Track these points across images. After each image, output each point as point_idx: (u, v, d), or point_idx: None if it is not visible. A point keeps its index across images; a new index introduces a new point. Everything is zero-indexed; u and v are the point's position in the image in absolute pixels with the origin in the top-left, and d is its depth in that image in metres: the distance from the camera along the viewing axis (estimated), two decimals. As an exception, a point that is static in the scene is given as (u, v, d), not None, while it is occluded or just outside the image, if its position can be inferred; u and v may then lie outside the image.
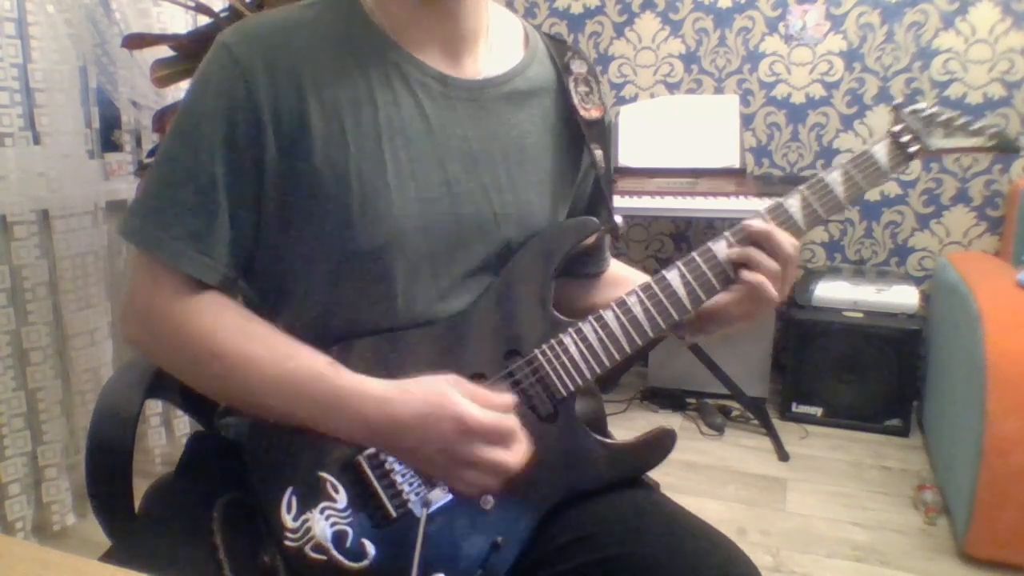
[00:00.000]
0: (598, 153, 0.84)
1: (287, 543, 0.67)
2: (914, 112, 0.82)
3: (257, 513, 0.70)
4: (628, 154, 2.48)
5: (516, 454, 0.67)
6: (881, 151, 0.81)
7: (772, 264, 0.74)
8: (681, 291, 0.76)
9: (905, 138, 0.81)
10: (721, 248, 0.77)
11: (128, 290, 0.73)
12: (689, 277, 0.76)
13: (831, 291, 2.37)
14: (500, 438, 0.66)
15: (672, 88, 2.77)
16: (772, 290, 0.74)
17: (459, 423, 0.64)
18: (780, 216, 0.78)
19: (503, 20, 0.82)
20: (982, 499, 1.60)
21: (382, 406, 0.66)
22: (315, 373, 0.67)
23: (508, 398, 0.69)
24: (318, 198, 0.69)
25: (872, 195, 2.58)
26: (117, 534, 0.77)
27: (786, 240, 0.75)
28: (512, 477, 0.67)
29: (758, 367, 2.53)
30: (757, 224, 0.75)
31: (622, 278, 0.93)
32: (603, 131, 0.85)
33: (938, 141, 0.82)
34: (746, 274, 0.75)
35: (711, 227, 2.69)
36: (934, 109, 0.83)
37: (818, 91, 2.59)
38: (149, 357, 0.76)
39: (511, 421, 0.67)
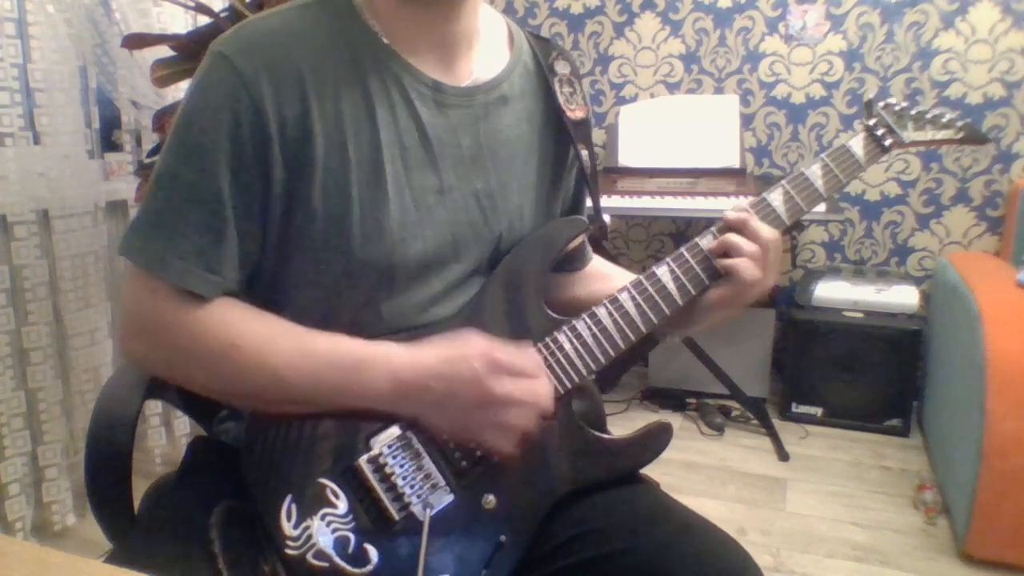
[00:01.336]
0: (584, 153, 0.85)
1: (288, 551, 0.67)
2: (887, 107, 0.86)
3: (256, 520, 0.69)
4: (628, 154, 2.48)
5: (546, 384, 0.70)
6: (857, 145, 0.84)
7: (751, 246, 0.75)
8: (671, 286, 0.77)
9: (879, 131, 0.85)
10: (707, 242, 0.78)
11: (127, 309, 0.70)
12: (678, 272, 0.77)
13: (831, 291, 2.37)
14: (528, 370, 0.69)
15: (672, 88, 2.77)
16: (753, 269, 0.75)
17: (487, 358, 0.67)
18: (763, 210, 0.80)
19: (490, 21, 0.82)
20: (982, 499, 1.60)
21: (410, 360, 0.68)
22: (334, 342, 0.69)
23: (528, 344, 0.72)
24: (319, 211, 0.68)
25: (872, 195, 2.58)
26: (117, 536, 0.77)
27: (763, 226, 0.76)
28: (546, 415, 0.69)
29: (758, 367, 2.53)
30: (734, 214, 0.77)
31: (603, 273, 0.95)
32: (589, 131, 0.86)
33: (911, 134, 0.87)
34: (726, 260, 0.76)
35: (711, 227, 2.69)
36: (904, 104, 0.87)
37: (818, 91, 2.59)
38: (158, 371, 0.73)
39: (535, 355, 0.71)
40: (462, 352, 0.67)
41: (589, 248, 0.96)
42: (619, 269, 0.95)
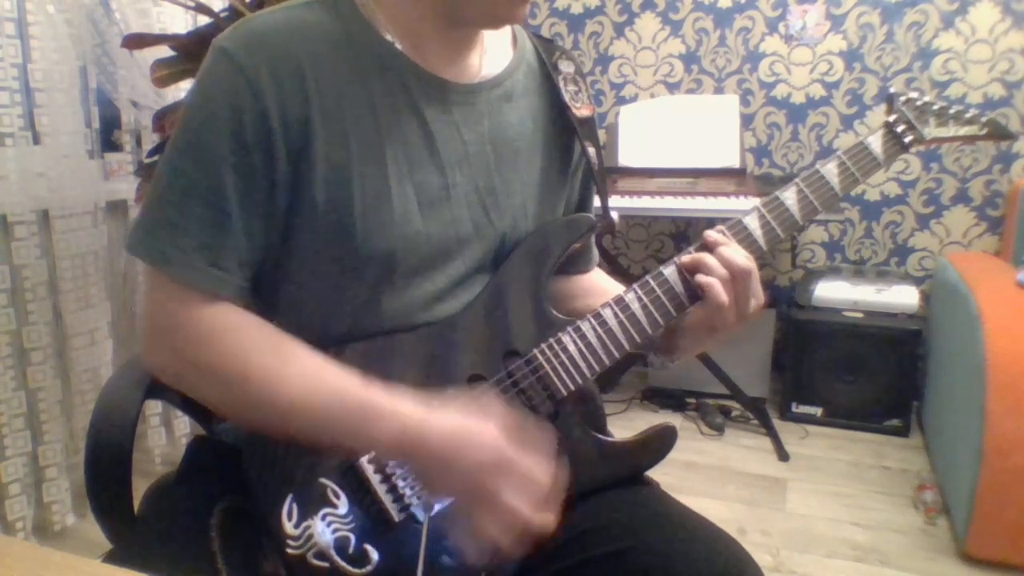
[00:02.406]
0: (591, 151, 0.84)
1: (289, 551, 0.67)
2: (908, 102, 0.83)
3: (256, 520, 0.69)
4: (628, 154, 2.48)
5: (542, 518, 0.64)
6: (876, 142, 0.81)
7: (721, 270, 0.73)
8: (679, 286, 0.76)
9: (900, 128, 0.82)
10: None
11: (145, 312, 0.70)
12: (686, 272, 0.76)
13: (831, 291, 2.37)
14: (533, 487, 0.63)
15: (672, 88, 2.77)
16: (722, 294, 0.72)
17: (498, 454, 0.62)
18: (776, 209, 0.78)
19: None
20: (982, 499, 1.61)
21: (419, 420, 0.64)
22: (344, 391, 0.66)
23: (550, 463, 0.65)
24: (321, 205, 0.68)
25: (872, 195, 2.58)
26: (116, 535, 0.77)
27: (736, 253, 0.74)
28: (524, 546, 0.64)
29: (758, 367, 2.53)
30: (713, 235, 0.76)
31: (602, 289, 0.92)
32: (594, 129, 0.86)
33: (932, 130, 0.83)
34: (699, 277, 0.74)
35: (711, 227, 2.68)
36: (927, 99, 0.84)
37: (818, 91, 2.59)
38: (176, 382, 0.71)
39: (549, 479, 0.64)
40: (475, 436, 0.63)
41: (595, 250, 0.95)
42: (619, 286, 0.92)
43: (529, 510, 0.63)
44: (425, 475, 0.68)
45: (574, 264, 0.93)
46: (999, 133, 0.87)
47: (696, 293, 0.75)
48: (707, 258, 0.74)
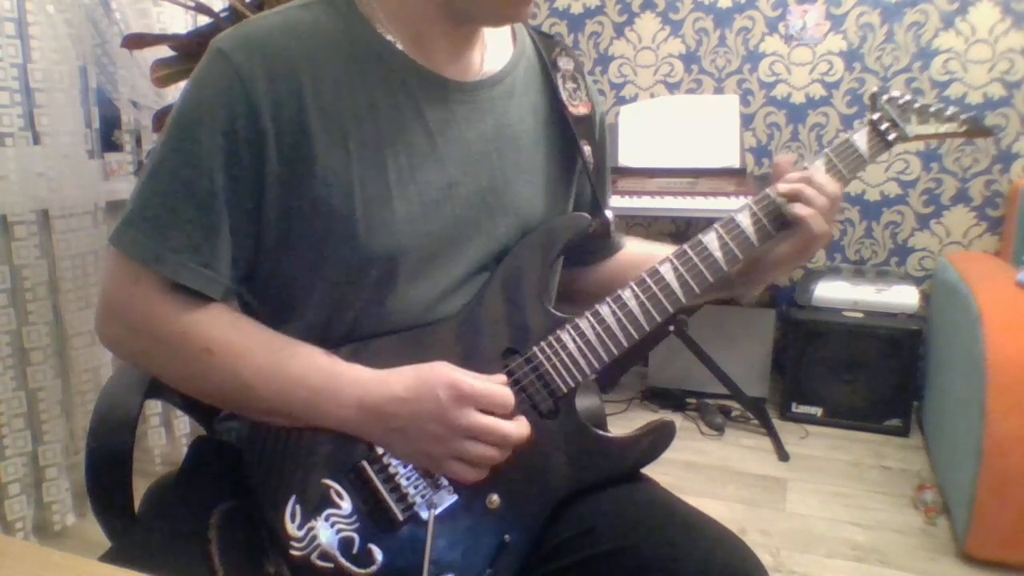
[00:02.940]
0: (587, 149, 0.84)
1: (293, 552, 0.67)
2: (891, 100, 0.85)
3: (257, 521, 0.69)
4: (628, 154, 2.48)
5: (516, 424, 0.69)
6: (861, 139, 0.83)
7: (820, 199, 0.77)
8: (674, 283, 0.77)
9: (883, 125, 0.84)
10: (711, 240, 0.78)
11: (104, 291, 0.71)
12: (681, 270, 0.77)
13: (831, 291, 2.37)
14: (496, 405, 0.68)
15: (672, 88, 2.77)
16: (822, 223, 0.76)
17: (453, 388, 0.66)
18: (767, 205, 0.79)
19: None
20: (982, 499, 1.60)
21: (377, 385, 0.68)
22: (309, 360, 0.69)
23: (502, 376, 0.71)
24: (320, 206, 0.68)
25: (872, 195, 2.58)
26: (116, 535, 0.77)
27: (828, 179, 0.78)
28: (517, 452, 0.68)
29: (758, 367, 2.53)
30: (790, 178, 0.80)
31: (640, 258, 0.90)
32: (592, 127, 0.86)
33: (914, 128, 0.86)
34: (798, 208, 0.77)
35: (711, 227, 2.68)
36: (908, 97, 0.86)
37: (818, 91, 2.59)
38: (131, 358, 0.74)
39: (507, 390, 0.69)
40: (428, 382, 0.67)
41: (614, 239, 0.94)
42: (657, 249, 0.91)
43: (499, 429, 0.67)
44: (395, 436, 0.69)
45: (593, 255, 0.93)
46: (978, 130, 0.89)
47: (691, 287, 0.77)
48: (806, 190, 0.77)
